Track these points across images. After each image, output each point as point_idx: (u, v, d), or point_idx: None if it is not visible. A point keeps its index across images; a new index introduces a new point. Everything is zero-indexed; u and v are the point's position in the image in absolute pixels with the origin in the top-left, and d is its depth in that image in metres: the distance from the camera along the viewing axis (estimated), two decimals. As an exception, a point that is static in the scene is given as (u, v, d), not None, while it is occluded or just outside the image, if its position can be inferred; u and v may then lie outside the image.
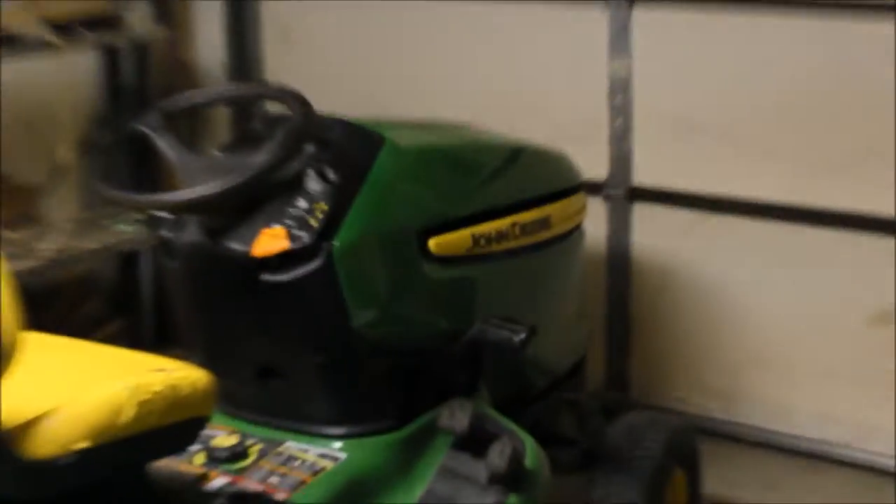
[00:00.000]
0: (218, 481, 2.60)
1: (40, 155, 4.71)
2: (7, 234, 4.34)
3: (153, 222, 2.92)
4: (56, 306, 4.66)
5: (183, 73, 4.96)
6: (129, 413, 2.14)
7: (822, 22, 3.67)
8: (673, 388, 4.29)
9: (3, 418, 1.98)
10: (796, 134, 3.85)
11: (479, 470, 2.79)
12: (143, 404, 2.16)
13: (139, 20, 4.38)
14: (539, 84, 4.27)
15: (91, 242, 4.32)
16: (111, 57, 4.77)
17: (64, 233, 4.34)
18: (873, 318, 3.82)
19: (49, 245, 4.24)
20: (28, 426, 2.05)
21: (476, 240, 2.99)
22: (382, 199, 2.81)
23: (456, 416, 2.85)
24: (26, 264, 4.08)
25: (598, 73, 4.10)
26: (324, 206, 2.71)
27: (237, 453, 2.74)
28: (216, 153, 2.87)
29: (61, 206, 4.74)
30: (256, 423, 2.92)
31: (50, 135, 4.53)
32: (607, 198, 4.19)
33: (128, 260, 4.70)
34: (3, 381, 1.95)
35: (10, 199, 4.59)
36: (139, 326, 4.68)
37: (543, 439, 3.22)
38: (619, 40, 4.03)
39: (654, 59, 4.02)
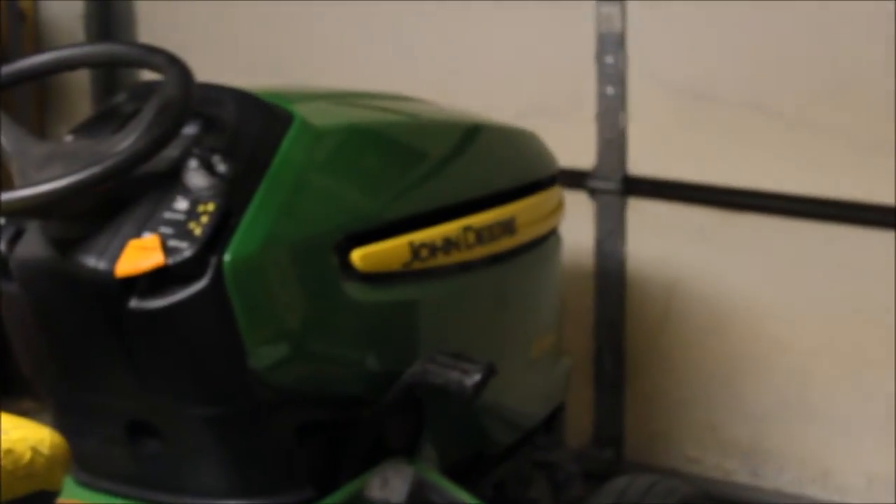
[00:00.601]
0: None
1: None
2: None
3: None
4: None
5: (27, 30, 4.96)
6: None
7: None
8: (680, 442, 4.32)
9: None
10: (843, 111, 3.89)
11: None
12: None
13: None
14: (503, 41, 4.30)
15: None
16: None
17: None
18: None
19: None
20: None
21: (416, 250, 2.98)
22: (290, 197, 2.79)
23: (391, 485, 2.89)
24: None
25: (582, 23, 4.14)
26: (211, 206, 2.70)
27: None
28: (67, 138, 2.86)
29: None
30: (127, 497, 2.96)
31: None
32: (595, 192, 4.23)
33: None
34: None
35: None
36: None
37: (508, 509, 3.29)
38: (610, -12, 4.08)
39: (656, 4, 4.07)
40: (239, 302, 2.70)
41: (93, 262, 2.71)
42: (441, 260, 3.05)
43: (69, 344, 2.90)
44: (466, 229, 3.10)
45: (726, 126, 4.04)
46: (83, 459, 3.00)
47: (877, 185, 3.83)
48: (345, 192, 2.95)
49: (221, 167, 2.74)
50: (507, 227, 3.22)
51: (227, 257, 2.68)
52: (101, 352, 2.85)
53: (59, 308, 2.86)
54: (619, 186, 4.19)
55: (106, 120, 2.97)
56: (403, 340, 3.01)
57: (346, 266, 2.87)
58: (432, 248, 3.02)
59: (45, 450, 2.33)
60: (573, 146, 4.12)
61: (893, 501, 3.96)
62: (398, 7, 4.39)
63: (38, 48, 4.53)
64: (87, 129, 2.97)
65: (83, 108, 4.75)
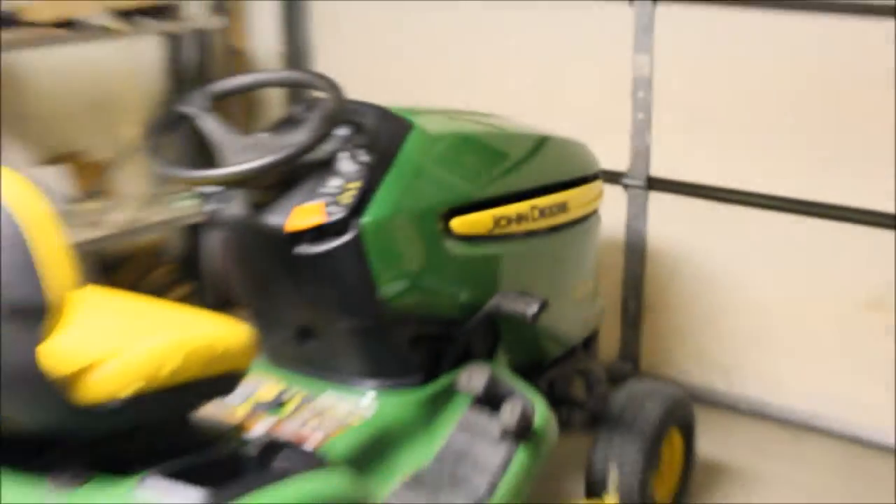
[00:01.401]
0: (258, 428, 2.63)
1: (108, 132, 4.75)
2: (81, 205, 4.40)
3: (204, 197, 2.95)
4: (128, 272, 4.73)
5: (239, 60, 4.98)
6: (171, 365, 2.19)
7: (834, 21, 3.65)
8: (678, 361, 4.30)
9: (56, 366, 2.03)
10: (806, 131, 3.82)
11: (492, 426, 2.81)
12: (185, 357, 2.21)
13: (197, 10, 4.41)
14: (567, 78, 4.25)
15: (157, 215, 4.37)
16: (174, 44, 4.81)
17: (133, 206, 4.38)
18: (868, 303, 3.82)
19: (119, 216, 4.28)
20: (80, 374, 2.10)
21: (497, 221, 2.98)
22: (409, 180, 2.80)
23: (473, 379, 2.87)
24: (97, 234, 4.16)
25: (622, 69, 4.08)
26: (355, 185, 2.72)
27: (278, 403, 2.81)
28: (259, 134, 2.88)
29: (131, 182, 4.78)
30: (298, 375, 2.96)
31: (119, 115, 4.57)
32: (627, 187, 4.19)
33: (192, 231, 4.75)
34: (54, 334, 2.00)
35: (83, 173, 4.65)
36: (204, 291, 4.73)
37: (556, 401, 3.27)
38: (643, 37, 4.01)
39: (674, 55, 4.01)
40: (372, 251, 2.72)
41: (271, 219, 2.75)
42: (514, 228, 3.04)
43: (257, 275, 2.95)
44: (533, 207, 3.09)
45: (720, 144, 4.00)
46: (271, 351, 3.03)
47: (829, 188, 3.81)
48: (448, 179, 2.94)
49: (363, 158, 2.76)
50: (562, 207, 3.19)
51: (364, 220, 2.70)
52: (278, 281, 2.89)
53: (249, 249, 2.90)
54: (643, 184, 4.16)
55: (286, 123, 2.98)
56: (485, 282, 2.99)
57: (447, 230, 2.88)
58: (508, 220, 3.02)
59: (240, 342, 2.37)
60: (614, 155, 4.09)
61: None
62: (498, 58, 4.40)
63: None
64: (274, 128, 2.97)
65: (275, 113, 4.77)
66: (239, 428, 2.64)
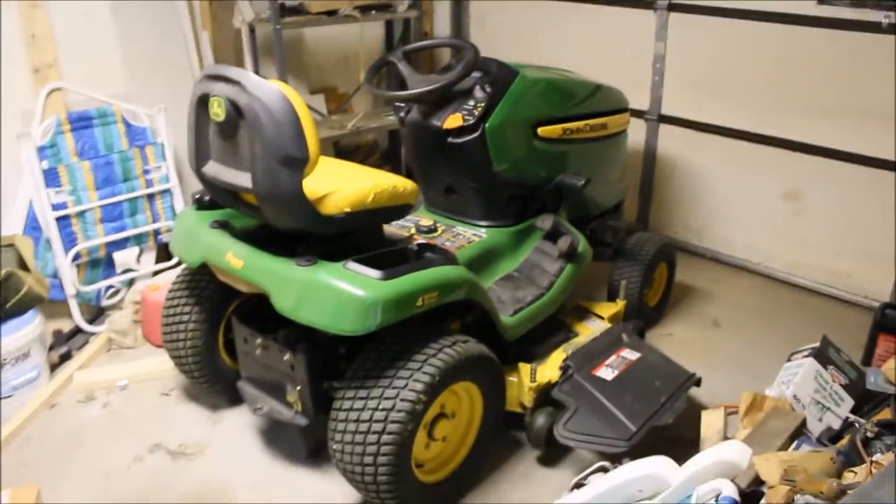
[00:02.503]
0: (418, 240, 2.66)
1: (350, 76, 4.75)
2: (332, 117, 4.48)
3: (397, 109, 2.96)
4: (356, 156, 4.80)
5: (426, 37, 4.89)
6: (372, 196, 2.27)
7: (780, 28, 3.50)
8: (671, 224, 4.21)
9: (309, 193, 2.12)
10: (752, 92, 3.66)
11: (554, 250, 2.83)
12: (378, 193, 2.29)
13: (403, 6, 4.38)
14: (614, 53, 4.11)
15: (374, 122, 4.35)
16: (389, 26, 4.77)
17: (360, 117, 4.42)
18: (783, 195, 3.72)
19: (352, 123, 4.30)
20: (322, 198, 2.19)
21: (564, 130, 2.95)
22: (514, 104, 2.76)
23: (544, 222, 2.90)
24: (340, 132, 4.21)
25: (647, 49, 3.96)
26: (482, 105, 2.70)
27: (431, 228, 2.85)
28: (432, 75, 2.81)
29: (360, 103, 4.84)
30: (443, 216, 3.00)
31: (356, 66, 4.60)
32: (647, 120, 4.07)
33: (394, 132, 4.77)
34: (308, 177, 2.09)
35: (334, 99, 4.72)
36: (399, 167, 4.76)
37: (593, 241, 3.26)
38: (661, 31, 3.87)
39: (679, 43, 3.86)
40: (490, 143, 2.71)
41: (434, 122, 2.75)
42: (574, 136, 3.00)
43: (424, 155, 2.93)
44: (586, 124, 3.04)
45: (705, 97, 3.85)
46: (428, 200, 3.07)
47: (764, 125, 3.69)
48: (537, 104, 2.86)
49: (487, 89, 2.74)
50: (604, 126, 3.13)
51: (487, 125, 2.70)
52: (436, 158, 2.87)
53: (420, 141, 2.88)
54: (657, 118, 4.04)
55: (445, 68, 2.95)
56: (555, 165, 2.95)
57: (535, 134, 2.86)
58: (570, 130, 2.98)
59: (409, 188, 2.40)
60: (640, 99, 4.00)
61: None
62: (575, 39, 4.29)
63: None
64: (439, 71, 2.95)
65: (443, 62, 4.76)
66: (407, 239, 2.72)
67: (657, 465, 1.72)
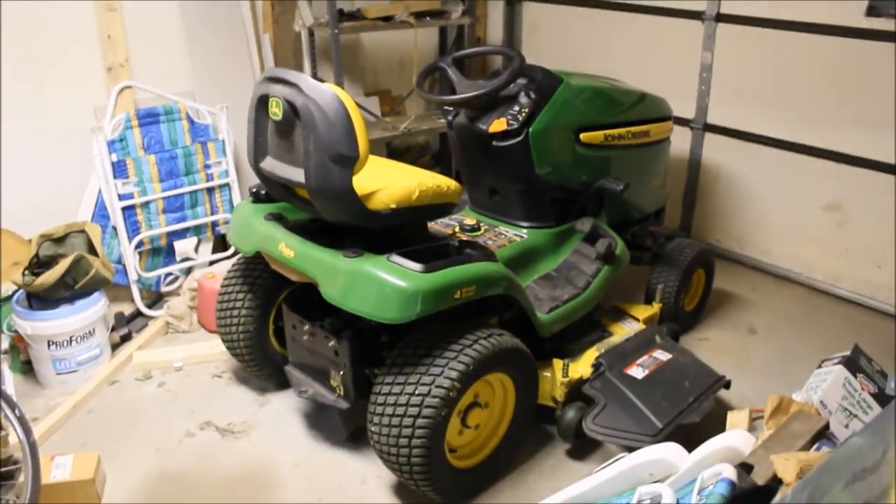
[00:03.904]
0: (462, 238, 2.76)
1: (404, 80, 4.87)
2: (385, 119, 4.60)
3: (446, 113, 3.05)
4: (407, 157, 4.89)
5: (479, 43, 5.00)
6: (416, 194, 2.36)
7: (828, 39, 3.53)
8: (714, 232, 4.24)
9: (359, 189, 2.22)
10: (797, 102, 3.68)
11: (592, 252, 2.89)
12: (423, 191, 2.38)
13: (457, 12, 4.45)
14: (662, 61, 4.17)
15: (425, 125, 4.44)
16: (442, 32, 4.85)
17: (412, 119, 4.51)
18: (825, 207, 3.73)
19: (404, 125, 4.39)
20: (370, 194, 2.30)
21: (606, 137, 2.99)
22: (558, 110, 2.81)
23: (584, 225, 2.96)
24: (393, 133, 4.31)
25: (694, 58, 4.00)
26: (526, 110, 2.78)
27: (474, 227, 2.93)
28: (479, 81, 2.88)
29: (412, 106, 4.95)
30: (487, 216, 3.07)
31: (410, 70, 4.69)
32: (692, 129, 4.11)
33: (444, 135, 4.84)
34: (357, 174, 2.19)
35: (387, 101, 4.84)
36: (447, 170, 4.83)
37: (633, 245, 3.32)
38: (708, 41, 3.92)
39: (726, 53, 3.90)
40: (534, 147, 2.78)
41: (480, 126, 2.82)
42: (616, 142, 3.04)
43: (470, 159, 3.00)
44: (628, 131, 3.08)
45: (751, 107, 3.87)
46: (472, 201, 3.14)
47: (808, 136, 3.71)
48: (580, 111, 2.91)
49: (532, 96, 2.80)
50: (646, 133, 3.17)
51: (530, 130, 2.76)
52: (481, 161, 2.94)
53: (466, 143, 2.95)
54: (702, 127, 4.08)
55: (492, 74, 3.00)
56: (596, 170, 2.99)
57: (577, 139, 2.91)
58: (612, 137, 3.02)
59: (452, 188, 2.46)
60: (686, 108, 4.05)
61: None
62: (624, 47, 4.34)
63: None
64: (486, 77, 2.99)
65: (491, 68, 4.83)
66: (450, 236, 2.80)
67: (667, 451, 1.80)
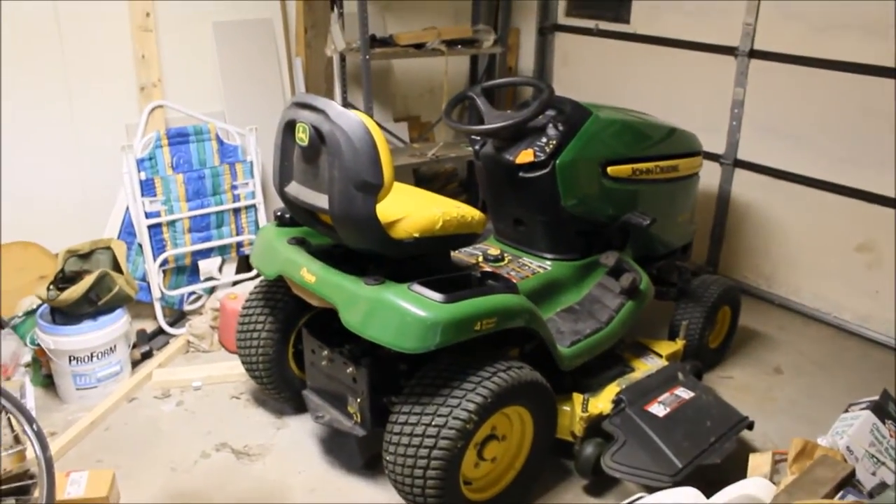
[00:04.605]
0: (485, 268, 2.77)
1: (434, 106, 4.91)
2: (413, 145, 4.62)
3: (473, 142, 3.06)
4: (434, 184, 4.91)
5: (511, 73, 5.03)
6: (439, 224, 2.36)
7: (862, 79, 3.50)
8: (740, 268, 4.20)
9: (382, 217, 2.23)
10: (829, 141, 3.65)
11: (616, 286, 2.86)
12: (447, 221, 2.38)
13: (489, 42, 4.47)
14: (694, 97, 4.16)
15: (453, 152, 4.44)
16: (473, 60, 4.88)
17: (440, 146, 4.51)
18: (858, 247, 3.67)
19: (432, 152, 4.39)
20: (393, 222, 2.30)
21: (634, 171, 2.98)
22: (585, 143, 2.81)
23: (609, 259, 2.94)
24: (420, 160, 4.32)
25: (726, 94, 3.99)
26: (554, 142, 2.77)
27: (498, 258, 2.92)
28: (508, 111, 2.89)
29: (441, 133, 4.97)
30: (511, 246, 3.06)
31: (440, 97, 4.72)
32: (722, 164, 4.09)
33: (472, 163, 4.83)
34: (381, 202, 2.20)
35: (416, 128, 4.87)
36: (475, 198, 4.84)
37: (658, 280, 3.29)
38: (741, 77, 3.90)
39: (758, 89, 3.88)
40: (560, 179, 2.77)
41: (508, 156, 2.82)
42: (644, 176, 3.03)
43: (496, 189, 3.00)
44: (656, 166, 3.07)
45: (782, 144, 3.84)
46: (497, 231, 3.14)
47: (842, 174, 3.67)
48: (608, 144, 2.90)
49: (560, 128, 2.80)
50: (674, 168, 3.16)
51: (557, 161, 2.76)
52: (507, 191, 2.93)
53: (493, 173, 2.95)
54: (732, 163, 4.05)
55: (521, 105, 3.01)
56: (622, 204, 2.97)
57: (604, 172, 2.90)
58: (640, 171, 3.01)
59: (477, 218, 2.47)
60: (716, 143, 4.04)
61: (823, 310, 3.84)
62: (656, 83, 4.34)
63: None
64: (515, 107, 3.04)
65: (522, 98, 4.85)
66: (473, 266, 2.81)
67: (684, 496, 1.77)
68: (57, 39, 3.43)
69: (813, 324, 3.86)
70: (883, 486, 2.37)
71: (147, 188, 3.48)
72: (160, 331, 3.55)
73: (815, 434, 2.58)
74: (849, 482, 2.26)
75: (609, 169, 2.91)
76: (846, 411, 2.68)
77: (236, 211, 3.73)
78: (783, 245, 3.98)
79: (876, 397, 2.65)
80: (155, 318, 3.56)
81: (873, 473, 2.46)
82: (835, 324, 3.82)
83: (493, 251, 2.96)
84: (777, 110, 3.84)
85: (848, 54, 3.50)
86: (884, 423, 2.57)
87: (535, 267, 2.91)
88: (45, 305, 3.06)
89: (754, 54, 3.84)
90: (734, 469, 2.49)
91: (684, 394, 2.66)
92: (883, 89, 3.42)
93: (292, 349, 2.89)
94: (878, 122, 3.47)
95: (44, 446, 2.06)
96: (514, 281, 2.63)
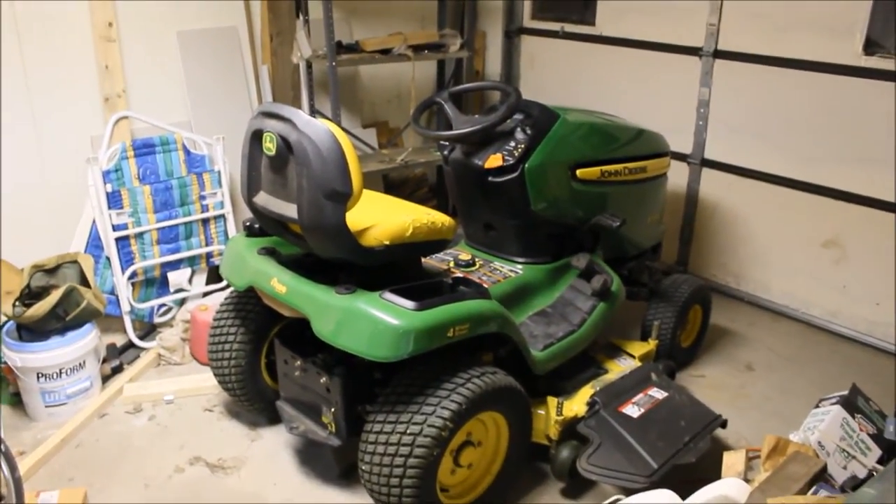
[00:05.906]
0: (455, 274, 2.76)
1: (402, 112, 4.89)
2: (382, 151, 4.60)
3: (441, 147, 3.05)
4: (404, 189, 4.90)
5: (477, 77, 5.05)
6: (409, 231, 2.35)
7: (826, 77, 3.55)
8: (711, 267, 4.23)
9: (352, 225, 2.22)
10: (794, 139, 3.69)
11: (587, 288, 2.87)
12: (416, 228, 2.37)
13: (455, 46, 4.46)
14: (660, 98, 4.19)
15: (422, 157, 4.44)
16: (441, 65, 4.86)
17: (408, 152, 4.49)
18: (824, 242, 3.73)
19: (401, 157, 4.38)
20: (363, 231, 2.29)
21: (602, 173, 3.00)
22: (554, 146, 2.82)
23: (580, 261, 2.94)
24: (389, 166, 4.30)
25: (692, 95, 4.03)
26: (522, 146, 2.78)
27: (469, 263, 2.92)
28: (476, 116, 2.90)
29: (409, 139, 4.96)
30: (482, 251, 3.07)
31: (407, 102, 4.70)
32: (690, 163, 4.12)
33: (441, 167, 4.82)
34: (350, 210, 2.19)
35: (385, 133, 4.85)
36: (445, 203, 4.84)
37: (629, 281, 3.30)
38: (706, 77, 3.94)
39: (722, 89, 3.92)
40: (529, 183, 2.78)
41: (476, 161, 2.82)
42: (612, 178, 3.04)
43: (466, 194, 2.99)
44: (625, 167, 3.08)
45: (748, 142, 3.89)
46: (468, 236, 3.14)
47: (803, 171, 3.72)
48: (577, 147, 2.91)
49: (528, 131, 2.81)
50: (643, 169, 3.17)
51: (526, 166, 2.76)
52: (476, 196, 2.93)
53: (462, 178, 2.95)
54: (699, 162, 4.09)
55: (489, 109, 3.02)
56: (592, 206, 2.99)
57: (573, 175, 2.91)
58: (609, 173, 3.02)
59: (447, 224, 2.46)
60: (683, 143, 4.07)
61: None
62: (622, 83, 4.37)
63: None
64: (482, 112, 3.01)
65: (490, 102, 4.85)
66: (445, 272, 2.80)
67: (660, 498, 1.78)
68: (17, 53, 3.37)
69: (782, 320, 3.91)
70: (853, 479, 2.40)
71: (114, 200, 3.44)
72: (130, 344, 3.51)
73: (787, 429, 2.61)
74: (821, 477, 2.29)
75: (578, 172, 2.92)
76: (817, 406, 2.72)
77: (205, 221, 3.70)
78: (751, 243, 4.03)
79: (845, 392, 2.69)
80: (125, 331, 3.51)
81: (844, 467, 2.49)
82: (804, 319, 3.87)
83: (465, 256, 2.96)
84: (742, 109, 3.89)
85: (811, 53, 3.55)
86: (854, 417, 2.61)
87: (506, 271, 2.91)
88: (12, 322, 3.01)
89: (719, 54, 3.88)
90: (709, 468, 2.50)
91: (658, 394, 2.68)
92: (846, 87, 3.47)
93: (265, 360, 2.86)
94: (842, 120, 3.52)
95: (12, 466, 2.03)
96: (486, 286, 2.64)
